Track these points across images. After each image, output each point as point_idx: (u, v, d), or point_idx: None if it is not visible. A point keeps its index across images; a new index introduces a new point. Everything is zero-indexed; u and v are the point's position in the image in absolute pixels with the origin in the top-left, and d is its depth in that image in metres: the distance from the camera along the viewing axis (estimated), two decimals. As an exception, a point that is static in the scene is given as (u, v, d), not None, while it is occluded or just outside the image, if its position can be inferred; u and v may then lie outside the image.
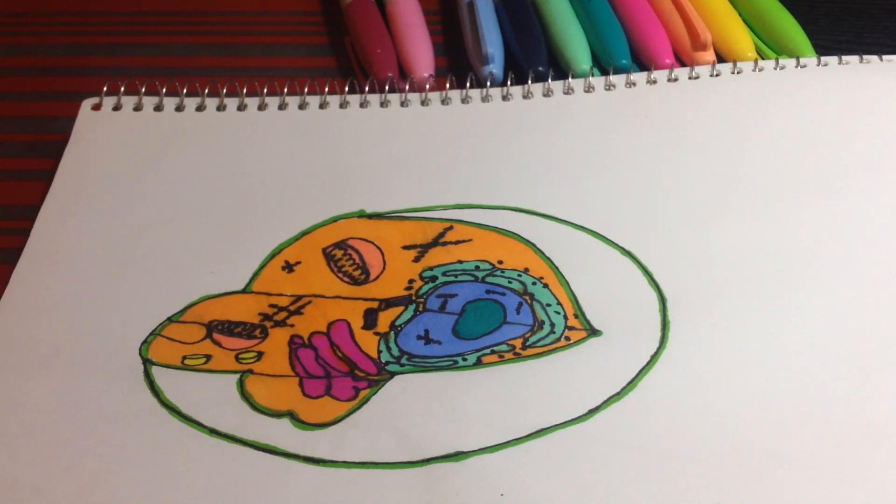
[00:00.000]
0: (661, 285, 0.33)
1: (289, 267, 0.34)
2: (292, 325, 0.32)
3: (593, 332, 0.32)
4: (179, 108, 0.40)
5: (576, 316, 0.32)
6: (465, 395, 0.30)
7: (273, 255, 0.35)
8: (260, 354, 0.31)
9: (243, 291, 0.33)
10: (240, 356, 0.31)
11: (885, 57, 0.41)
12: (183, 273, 0.34)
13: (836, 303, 0.32)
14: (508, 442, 0.29)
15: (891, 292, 0.33)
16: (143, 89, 0.41)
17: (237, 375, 0.31)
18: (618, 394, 0.30)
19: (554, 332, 0.32)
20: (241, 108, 0.40)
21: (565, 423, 0.29)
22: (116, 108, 0.40)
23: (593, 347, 0.31)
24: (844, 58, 0.41)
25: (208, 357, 0.31)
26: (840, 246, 0.34)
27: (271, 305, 0.33)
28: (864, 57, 0.41)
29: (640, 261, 0.34)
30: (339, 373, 0.31)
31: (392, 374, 0.31)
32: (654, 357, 0.31)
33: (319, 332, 0.32)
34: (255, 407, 0.30)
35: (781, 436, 0.28)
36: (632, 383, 0.30)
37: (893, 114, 0.39)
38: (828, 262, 0.34)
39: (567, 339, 0.32)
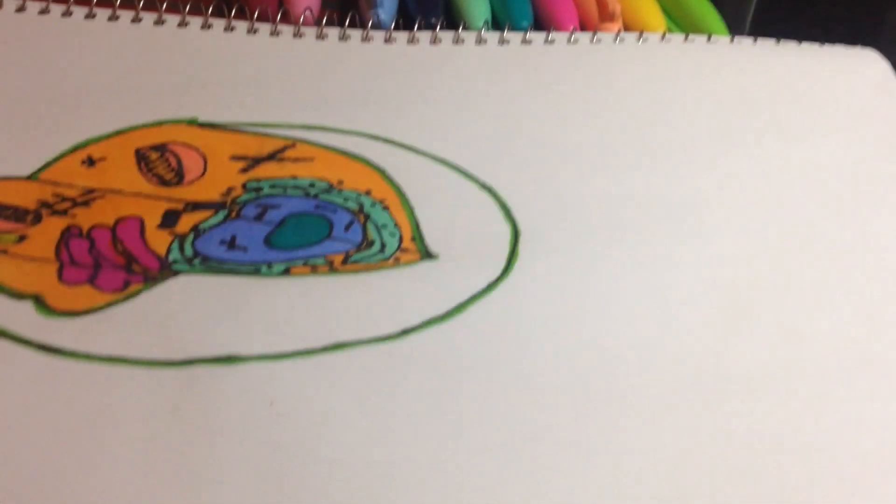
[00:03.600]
0: (517, 220, 0.28)
1: (90, 161, 0.29)
2: (73, 216, 0.27)
3: (428, 255, 0.27)
4: (20, 10, 0.36)
5: (413, 239, 0.27)
6: (257, 300, 0.25)
7: (76, 148, 0.29)
8: (23, 237, 0.26)
9: (28, 178, 0.28)
10: (-3, 236, 0.26)
11: (804, 43, 0.38)
12: (-39, 151, 0.29)
13: (696, 257, 0.28)
14: (296, 352, 0.23)
15: (758, 252, 0.29)
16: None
17: (-15, 253, 0.25)
18: (441, 316, 0.25)
19: (383, 252, 0.27)
20: (90, 16, 0.36)
21: (371, 339, 0.24)
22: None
23: (424, 269, 0.26)
24: (760, 39, 0.38)
25: (-41, 232, 0.26)
26: (711, 203, 0.30)
27: (56, 195, 0.28)
28: (782, 41, 0.38)
29: (498, 196, 0.29)
30: (111, 265, 0.25)
31: (176, 273, 0.25)
32: (492, 285, 0.26)
33: (103, 226, 0.27)
34: (-5, 285, 0.24)
35: (613, 380, 0.24)
36: (460, 307, 0.25)
37: (790, 88, 0.35)
38: (695, 219, 0.30)
39: (396, 259, 0.27)
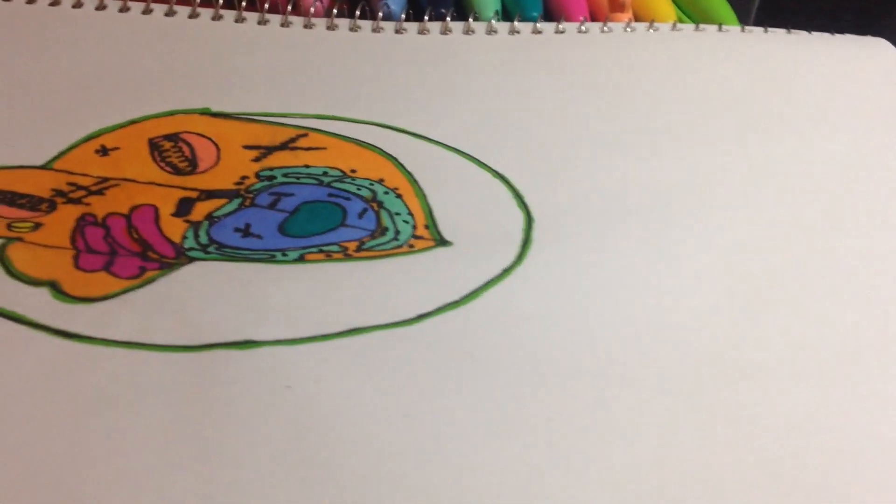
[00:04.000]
0: (530, 207, 0.28)
1: (104, 151, 0.29)
2: (88, 204, 0.27)
3: (442, 242, 0.27)
4: (31, 1, 0.36)
5: (426, 227, 0.27)
6: (272, 287, 0.25)
7: (89, 138, 0.29)
8: (38, 226, 0.26)
9: (42, 167, 0.28)
10: (13, 224, 0.26)
11: (814, 33, 0.38)
12: (-26, 141, 0.29)
13: (711, 244, 0.28)
14: (313, 337, 0.23)
15: (773, 240, 0.28)
16: (-8, -24, 0.36)
17: (1, 241, 0.25)
18: (456, 302, 0.25)
19: (397, 240, 0.27)
20: (100, 8, 0.36)
21: (387, 324, 0.24)
22: (-42, -9, 0.36)
23: (438, 256, 0.26)
24: (771, 29, 0.38)
25: (-25, 221, 0.26)
26: (725, 191, 0.30)
27: (70, 184, 0.28)
28: (792, 31, 0.38)
29: (512, 184, 0.29)
30: (127, 252, 0.25)
31: (192, 260, 0.25)
32: (507, 271, 0.26)
33: (118, 213, 0.27)
34: (11, 272, 0.24)
35: (627, 366, 0.24)
36: (475, 293, 0.25)
37: (803, 79, 0.35)
38: (710, 207, 0.29)
39: (411, 246, 0.27)
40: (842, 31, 0.39)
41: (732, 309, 0.26)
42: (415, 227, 0.27)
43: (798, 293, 0.27)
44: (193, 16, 0.36)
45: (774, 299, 0.26)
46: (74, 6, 0.36)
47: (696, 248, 0.28)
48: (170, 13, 0.36)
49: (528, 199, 0.29)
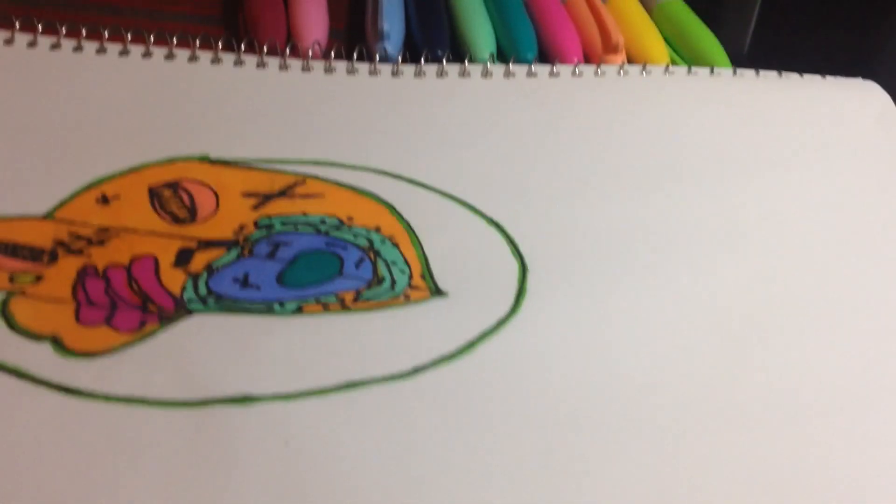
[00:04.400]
0: (524, 256, 0.29)
1: (105, 199, 0.30)
2: (89, 255, 0.27)
3: (438, 292, 0.27)
4: (32, 45, 0.36)
5: (422, 276, 0.28)
6: (270, 340, 0.25)
7: (90, 186, 0.30)
8: (39, 278, 0.26)
9: (43, 217, 0.29)
10: (15, 276, 0.26)
11: (805, 75, 0.38)
12: (-23, 190, 0.29)
13: (703, 290, 0.29)
14: (310, 391, 0.24)
15: (762, 282, 0.29)
16: (-5, 20, 0.37)
17: (3, 294, 0.26)
18: (452, 354, 0.25)
19: (393, 290, 0.27)
20: (101, 51, 0.37)
21: (384, 378, 0.24)
22: (-40, 36, 0.36)
23: (434, 307, 0.27)
24: (762, 72, 0.38)
25: (-23, 273, 0.26)
26: (716, 236, 0.31)
27: (71, 234, 0.28)
28: (784, 73, 0.38)
29: (506, 231, 0.30)
30: (127, 305, 0.26)
31: (191, 312, 0.26)
32: (501, 323, 0.26)
33: (118, 265, 0.27)
34: (14, 326, 0.25)
35: (626, 417, 0.24)
36: (470, 346, 0.25)
37: (793, 121, 0.36)
38: (702, 251, 0.30)
39: (406, 297, 0.27)
40: (834, 69, 0.39)
41: (733, 353, 0.26)
42: (411, 276, 0.28)
43: (795, 334, 0.27)
44: (193, 59, 0.37)
45: (773, 341, 0.27)
46: (75, 49, 0.37)
47: (693, 292, 0.28)
48: (169, 56, 0.37)
49: (522, 248, 0.29)
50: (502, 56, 0.40)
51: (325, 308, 0.26)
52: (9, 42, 0.36)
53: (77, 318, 0.25)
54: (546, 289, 0.28)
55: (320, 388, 0.24)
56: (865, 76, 0.39)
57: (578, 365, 0.25)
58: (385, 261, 0.28)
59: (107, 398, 0.23)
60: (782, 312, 0.28)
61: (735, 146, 0.34)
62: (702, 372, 0.26)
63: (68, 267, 0.27)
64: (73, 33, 0.37)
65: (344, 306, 0.27)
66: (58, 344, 0.24)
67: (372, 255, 0.28)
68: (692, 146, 0.34)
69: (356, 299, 0.27)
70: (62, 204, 0.29)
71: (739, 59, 0.40)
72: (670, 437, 0.24)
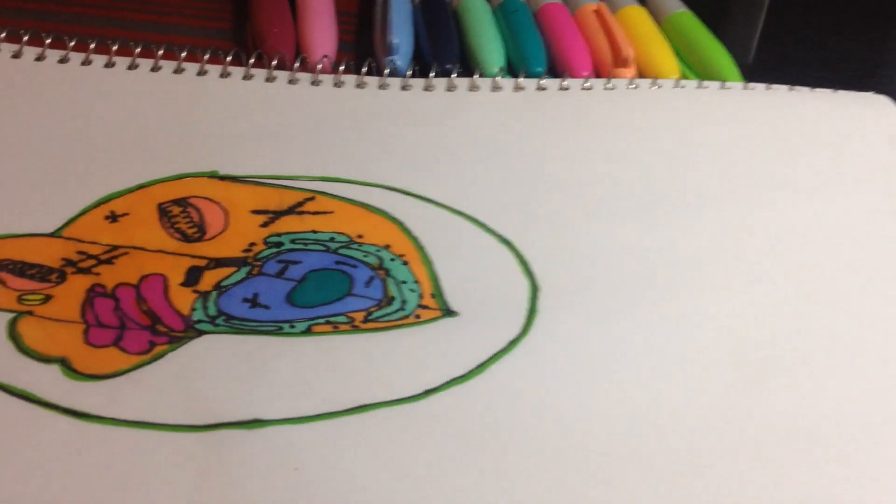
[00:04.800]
0: (535, 275, 0.29)
1: (113, 217, 0.29)
2: (98, 274, 0.27)
3: (448, 312, 0.27)
4: (40, 58, 0.36)
5: (433, 296, 0.28)
6: (280, 361, 0.25)
7: (99, 204, 0.30)
8: (48, 298, 0.26)
9: (51, 235, 0.29)
10: (23, 297, 0.26)
11: (816, 89, 0.38)
12: (-15, 207, 0.29)
13: (717, 315, 0.28)
14: (321, 415, 0.24)
15: (779, 307, 0.29)
16: (3, 35, 0.37)
17: (12, 315, 0.26)
18: (462, 376, 0.25)
19: (404, 310, 0.27)
20: (109, 65, 0.36)
21: (394, 401, 0.24)
22: (-34, 50, 0.36)
23: (445, 327, 0.27)
24: (773, 86, 0.38)
25: (-16, 293, 0.26)
26: (730, 259, 0.30)
27: (80, 252, 0.28)
28: (794, 87, 0.38)
29: (517, 250, 0.30)
30: (136, 325, 0.26)
31: (200, 333, 0.26)
32: (513, 343, 0.26)
33: (127, 284, 0.27)
34: (22, 349, 0.24)
35: (638, 441, 0.24)
36: (481, 367, 0.25)
37: (806, 138, 0.35)
38: (715, 274, 0.30)
39: (417, 317, 0.27)
40: (840, 80, 0.39)
41: (748, 380, 0.26)
42: (421, 295, 0.28)
43: (810, 364, 0.27)
44: (202, 73, 0.37)
45: (791, 369, 0.27)
46: (83, 63, 0.36)
47: (708, 316, 0.28)
48: (178, 70, 0.37)
49: (533, 267, 0.29)
50: (512, 70, 0.40)
51: (335, 328, 0.26)
52: (16, 56, 0.36)
53: (86, 339, 0.25)
54: (557, 309, 0.27)
55: (330, 411, 0.24)
56: (872, 87, 0.39)
57: (590, 388, 0.25)
58: (395, 280, 0.28)
59: (116, 422, 0.23)
60: (799, 341, 0.27)
61: (748, 164, 0.34)
62: (716, 401, 0.25)
63: (77, 286, 0.27)
64: (82, 46, 0.37)
65: (354, 326, 0.26)
66: (66, 366, 0.24)
67: (382, 274, 0.28)
68: (704, 163, 0.34)
69: (366, 319, 0.27)
70: (70, 222, 0.29)
71: (744, 70, 0.40)
72: (683, 467, 0.23)
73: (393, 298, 0.27)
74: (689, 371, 0.26)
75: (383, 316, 0.27)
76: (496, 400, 0.24)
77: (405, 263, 0.29)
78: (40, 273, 0.27)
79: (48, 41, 0.37)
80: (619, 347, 0.26)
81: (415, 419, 0.24)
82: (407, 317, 0.27)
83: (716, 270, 0.30)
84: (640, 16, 0.42)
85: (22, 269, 0.27)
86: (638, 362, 0.26)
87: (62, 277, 0.27)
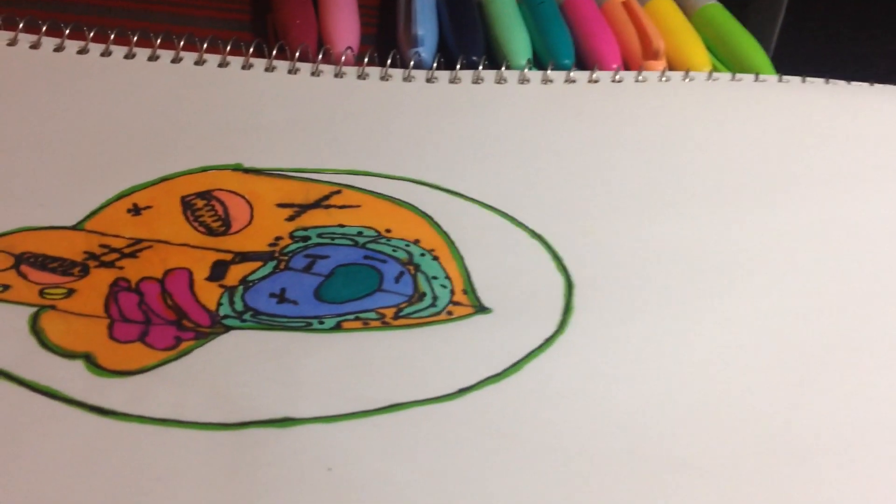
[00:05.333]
0: (570, 271, 0.28)
1: (136, 210, 0.29)
2: (121, 268, 0.26)
3: (482, 309, 0.26)
4: (59, 49, 0.36)
5: (465, 292, 0.27)
6: (310, 359, 0.24)
7: (121, 196, 0.29)
8: (71, 292, 0.26)
9: (73, 228, 0.28)
10: (45, 291, 0.25)
11: (853, 82, 0.37)
12: (6, 200, 0.28)
13: (757, 312, 0.27)
14: (352, 413, 0.23)
15: (818, 306, 0.28)
16: (21, 25, 0.36)
17: (34, 309, 0.25)
18: (497, 375, 0.24)
19: (435, 306, 0.26)
20: (129, 56, 0.36)
21: (427, 400, 0.23)
22: (-13, 40, 0.36)
23: (478, 325, 0.26)
24: (808, 79, 0.37)
25: (6, 287, 0.25)
26: (770, 256, 0.29)
27: (102, 245, 0.27)
28: (831, 80, 0.37)
29: (550, 245, 0.29)
30: (162, 320, 0.25)
31: (228, 329, 0.25)
32: (548, 341, 0.25)
33: (152, 278, 0.26)
34: (46, 344, 0.24)
35: (675, 442, 0.23)
36: (516, 366, 0.24)
37: (846, 133, 0.34)
38: (755, 271, 0.29)
39: (449, 313, 0.26)
40: (863, 71, 0.38)
41: (784, 382, 0.25)
42: (453, 292, 0.27)
43: (851, 364, 0.26)
44: (223, 64, 0.36)
45: (833, 372, 0.26)
46: (103, 54, 0.36)
47: (749, 314, 0.27)
48: (199, 62, 0.36)
49: (566, 262, 0.28)
50: (538, 63, 0.39)
51: (365, 325, 0.25)
52: (35, 46, 0.36)
53: (110, 334, 0.24)
54: (593, 306, 0.27)
55: (363, 409, 0.23)
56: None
57: (629, 387, 0.24)
58: (425, 275, 0.27)
59: (142, 420, 0.22)
60: (843, 339, 0.27)
61: (785, 159, 0.33)
62: (760, 401, 0.24)
63: (101, 280, 0.26)
64: (101, 37, 0.36)
65: (384, 323, 0.26)
66: (91, 362, 0.23)
67: (412, 269, 0.27)
68: (740, 158, 0.33)
69: (397, 316, 0.26)
70: (93, 214, 0.28)
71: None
72: (725, 469, 0.23)
73: (424, 294, 0.27)
74: (732, 370, 0.25)
75: (414, 312, 0.26)
76: (532, 399, 0.24)
77: (435, 258, 0.28)
78: (62, 266, 0.26)
79: (67, 32, 0.36)
80: (659, 346, 0.26)
81: (449, 419, 0.23)
82: (438, 313, 0.26)
83: (756, 266, 0.29)
84: (668, 7, 0.42)
85: (44, 262, 0.26)
86: (678, 362, 0.25)
87: (85, 271, 0.26)
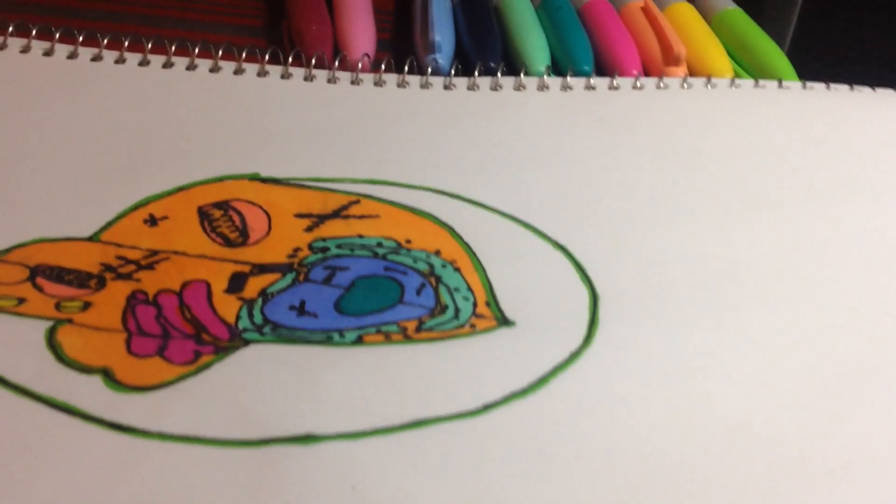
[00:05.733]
0: (594, 282, 0.27)
1: (153, 220, 0.28)
2: (138, 280, 0.26)
3: (505, 322, 0.26)
4: (72, 56, 0.35)
5: (487, 304, 0.26)
6: (332, 373, 0.24)
7: (137, 207, 0.29)
8: (87, 305, 0.25)
9: (89, 239, 0.27)
10: (62, 303, 0.25)
11: (878, 89, 0.37)
12: (21, 211, 0.28)
13: (790, 325, 0.27)
14: (376, 430, 0.22)
15: (855, 320, 0.27)
16: (34, 32, 0.36)
17: (50, 322, 0.24)
18: (523, 390, 0.24)
19: (458, 319, 0.26)
20: (144, 63, 0.35)
21: (452, 416, 0.23)
22: (1, 47, 0.35)
23: (502, 338, 0.25)
24: (833, 85, 0.36)
25: (21, 300, 0.25)
26: (801, 265, 0.29)
27: (119, 257, 0.27)
28: (855, 87, 0.36)
29: (573, 256, 0.28)
30: (180, 334, 0.24)
31: (247, 343, 0.24)
32: (575, 355, 0.25)
33: (169, 291, 0.26)
34: (62, 358, 0.23)
35: (710, 459, 0.22)
36: (542, 380, 0.24)
37: (873, 141, 0.34)
38: (786, 282, 0.28)
39: (472, 326, 0.26)
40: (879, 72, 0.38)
41: (819, 400, 0.24)
42: (475, 304, 0.26)
43: (891, 382, 0.25)
44: (239, 72, 0.36)
45: (867, 390, 0.25)
46: (117, 62, 0.35)
47: (782, 328, 0.26)
48: (214, 69, 0.35)
49: (591, 273, 0.28)
50: (556, 69, 0.38)
51: (387, 338, 0.25)
52: (48, 53, 0.35)
53: (128, 348, 0.24)
54: (619, 319, 0.26)
55: (386, 426, 0.22)
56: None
57: (657, 403, 0.24)
58: (447, 287, 0.27)
59: (162, 436, 0.22)
60: (882, 357, 0.26)
61: (813, 166, 0.32)
62: (793, 420, 0.24)
63: (117, 293, 0.26)
64: (115, 44, 0.36)
65: (406, 336, 0.25)
66: (109, 377, 0.23)
67: (433, 281, 0.27)
68: (766, 166, 0.32)
69: (419, 329, 0.25)
70: (109, 225, 0.28)
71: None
72: (761, 489, 0.22)
73: (446, 307, 0.26)
74: (765, 386, 0.25)
75: (437, 325, 0.26)
76: (559, 415, 0.23)
77: (457, 270, 0.28)
78: (78, 279, 0.26)
79: (80, 39, 0.36)
80: (688, 361, 0.25)
81: (474, 435, 0.22)
82: (461, 326, 0.26)
83: (787, 278, 0.28)
84: (688, 12, 0.41)
85: (59, 274, 0.26)
86: (708, 377, 0.25)
87: (101, 283, 0.26)
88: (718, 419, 0.24)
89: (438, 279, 0.27)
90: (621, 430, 0.23)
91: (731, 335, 0.26)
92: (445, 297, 0.26)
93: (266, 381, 0.23)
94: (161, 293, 0.26)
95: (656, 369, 0.25)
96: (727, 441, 0.23)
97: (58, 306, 0.25)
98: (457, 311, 0.26)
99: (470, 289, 0.27)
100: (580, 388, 0.24)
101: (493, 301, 0.27)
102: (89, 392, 0.23)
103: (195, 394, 0.23)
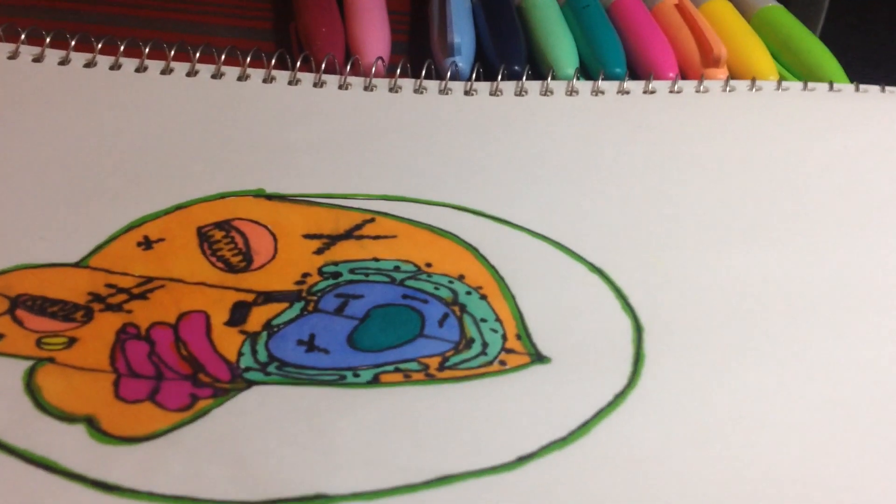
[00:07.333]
0: (637, 311, 0.25)
1: (147, 243, 0.26)
2: (129, 312, 0.23)
3: (539, 358, 0.23)
4: (64, 62, 0.33)
5: (518, 337, 0.24)
6: (345, 421, 0.21)
7: (131, 228, 0.26)
8: (72, 341, 0.22)
9: (76, 265, 0.25)
10: (43, 340, 0.22)
11: (936, 90, 0.34)
12: (2, 233, 0.25)
13: (859, 359, 0.24)
14: (396, 489, 0.20)
15: None
16: (23, 37, 0.33)
17: (30, 363, 0.22)
18: (563, 439, 0.21)
19: (486, 354, 0.23)
20: (141, 69, 0.33)
21: (481, 471, 0.20)
22: (-12, 53, 0.33)
23: (537, 377, 0.22)
24: (888, 88, 0.34)
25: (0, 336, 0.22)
26: (872, 292, 0.26)
27: (109, 285, 0.24)
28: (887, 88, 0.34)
29: (612, 280, 0.25)
30: (175, 375, 0.22)
31: (250, 384, 0.22)
32: (620, 397, 0.22)
33: (164, 324, 0.23)
34: (42, 405, 0.21)
35: None
36: (584, 427, 0.21)
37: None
38: (854, 309, 0.25)
39: (502, 363, 0.23)
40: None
41: (885, 444, 0.22)
42: (505, 337, 0.24)
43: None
44: (243, 77, 0.33)
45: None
46: (112, 68, 0.33)
47: (846, 364, 0.24)
48: (217, 75, 0.33)
49: (632, 300, 0.25)
50: (585, 72, 0.36)
51: (407, 378, 0.22)
52: (38, 59, 0.33)
53: (116, 392, 0.21)
54: (667, 353, 0.23)
55: (408, 483, 0.20)
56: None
57: (714, 450, 0.21)
58: (473, 317, 0.24)
59: (151, 497, 0.19)
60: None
61: (871, 178, 0.29)
62: (864, 468, 0.21)
63: (106, 327, 0.23)
64: (110, 49, 0.34)
65: (428, 375, 0.22)
66: (93, 426, 0.20)
67: (457, 311, 0.24)
68: (820, 177, 0.29)
69: (442, 366, 0.23)
70: (98, 249, 0.25)
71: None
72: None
73: (472, 340, 0.23)
74: (833, 430, 0.22)
75: (462, 362, 0.23)
76: (604, 467, 0.20)
77: (483, 297, 0.25)
78: (63, 311, 0.23)
79: (73, 43, 0.33)
80: (746, 400, 0.22)
81: (508, 493, 0.20)
82: (490, 363, 0.23)
83: (855, 304, 0.25)
84: (726, 10, 0.38)
85: (42, 305, 0.23)
86: (770, 419, 0.22)
87: (89, 316, 0.23)
88: (783, 467, 0.21)
89: (463, 308, 0.24)
90: (674, 483, 0.20)
91: (796, 371, 0.23)
92: (471, 330, 0.24)
93: (271, 430, 0.21)
94: (154, 326, 0.23)
95: (711, 411, 0.22)
96: (795, 492, 0.20)
97: (39, 343, 0.22)
98: (484, 345, 0.23)
99: (498, 319, 0.24)
100: (627, 435, 0.21)
101: (524, 334, 0.24)
102: (71, 444, 0.20)
103: (190, 446, 0.20)
